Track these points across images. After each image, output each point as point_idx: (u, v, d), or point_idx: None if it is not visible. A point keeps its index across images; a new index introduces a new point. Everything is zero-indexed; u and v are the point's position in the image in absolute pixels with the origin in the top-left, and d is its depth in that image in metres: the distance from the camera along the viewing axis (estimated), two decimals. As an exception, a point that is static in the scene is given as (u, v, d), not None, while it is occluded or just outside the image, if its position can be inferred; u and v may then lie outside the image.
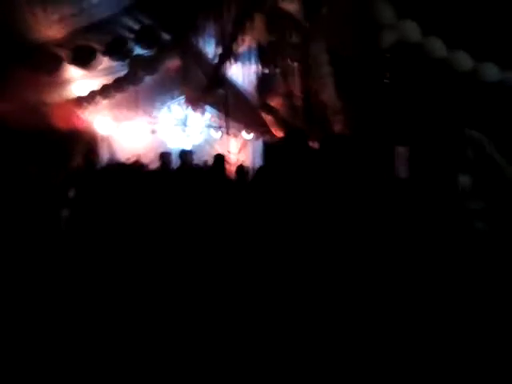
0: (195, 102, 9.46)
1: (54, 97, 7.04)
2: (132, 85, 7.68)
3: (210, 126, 9.93)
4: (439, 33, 7.63)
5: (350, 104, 8.06)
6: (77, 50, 6.65)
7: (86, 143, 7.38)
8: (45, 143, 6.70)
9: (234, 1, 7.85)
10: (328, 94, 8.14)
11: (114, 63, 7.39)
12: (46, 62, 6.57)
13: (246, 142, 10.24)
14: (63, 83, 7.16)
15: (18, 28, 6.33)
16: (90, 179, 6.44)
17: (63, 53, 6.69)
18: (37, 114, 6.75)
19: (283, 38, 8.04)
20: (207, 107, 9.62)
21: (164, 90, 9.03)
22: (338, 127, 8.34)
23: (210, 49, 8.99)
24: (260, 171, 5.47)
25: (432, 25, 7.55)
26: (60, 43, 6.68)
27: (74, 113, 7.24)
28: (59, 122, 6.87)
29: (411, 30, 7.74)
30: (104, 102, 7.78)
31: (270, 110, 8.87)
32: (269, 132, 9.49)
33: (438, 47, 7.91)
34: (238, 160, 9.36)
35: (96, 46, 6.86)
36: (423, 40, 7.81)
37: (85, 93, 7.44)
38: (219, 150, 9.35)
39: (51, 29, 6.69)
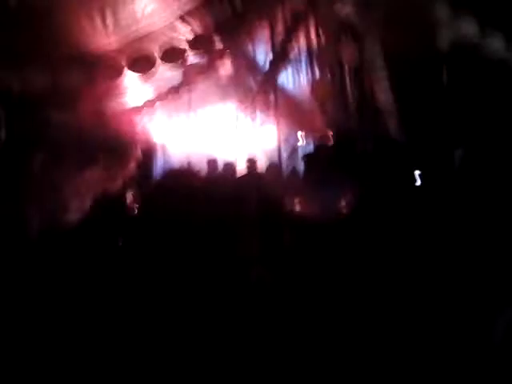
0: (247, 108, 9.46)
1: (111, 106, 7.17)
2: (186, 92, 7.75)
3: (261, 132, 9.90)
4: (499, 32, 7.40)
5: (406, 108, 7.91)
6: (136, 58, 6.75)
7: (142, 151, 7.47)
8: (103, 151, 6.83)
9: (287, 6, 7.85)
10: (384, 99, 8.02)
11: (169, 72, 7.47)
12: (106, 71, 6.69)
13: (296, 147, 10.15)
14: (120, 92, 7.29)
15: (77, 38, 6.46)
16: (148, 187, 6.49)
17: (123, 62, 6.80)
18: (95, 123, 6.88)
19: (337, 42, 7.98)
20: (258, 113, 9.59)
21: (216, 97, 9.07)
22: (393, 131, 8.19)
23: (261, 55, 9.02)
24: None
25: (492, 24, 7.33)
26: (118, 53, 6.80)
27: (130, 122, 7.35)
28: (116, 130, 6.98)
29: (469, 29, 7.55)
30: (159, 111, 7.87)
31: (325, 114, 8.78)
32: (322, 137, 9.40)
33: (497, 47, 7.69)
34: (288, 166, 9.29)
35: (153, 54, 6.95)
36: (481, 40, 7.60)
37: (141, 102, 7.54)
38: (269, 155, 9.33)
39: (108, 39, 6.82)
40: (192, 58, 7.41)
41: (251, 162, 7.85)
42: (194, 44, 7.22)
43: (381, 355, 3.03)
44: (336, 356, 2.88)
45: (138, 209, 5.72)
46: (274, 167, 8.07)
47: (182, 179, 5.63)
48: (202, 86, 7.98)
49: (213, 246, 3.62)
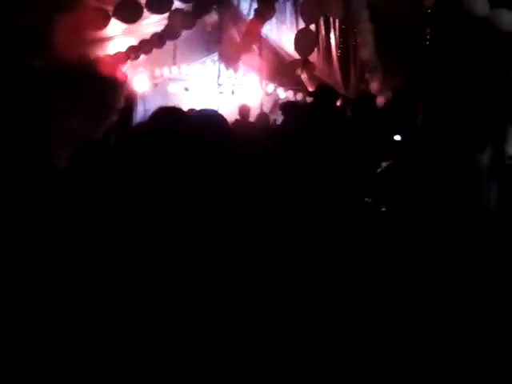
0: (230, 59, 9.36)
1: (95, 52, 7.01)
2: (170, 39, 7.62)
3: (243, 84, 9.86)
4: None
5: (389, 62, 7.92)
6: (122, 4, 6.57)
7: (124, 99, 7.36)
8: (86, 98, 6.68)
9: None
10: (367, 51, 8.00)
11: (152, 18, 7.32)
12: (92, 17, 6.52)
13: (278, 100, 10.14)
14: (105, 38, 7.13)
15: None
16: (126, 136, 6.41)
17: (109, 8, 6.63)
18: (78, 69, 6.71)
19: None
20: (241, 64, 9.50)
21: (199, 47, 8.96)
22: (375, 85, 8.21)
23: (246, 4, 8.89)
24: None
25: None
26: (103, -2, 6.63)
27: (114, 68, 7.20)
28: (100, 78, 6.82)
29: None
30: (142, 58, 7.75)
31: (307, 67, 8.73)
32: (304, 90, 9.39)
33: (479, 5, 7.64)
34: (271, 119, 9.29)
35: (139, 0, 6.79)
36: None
37: (124, 48, 7.39)
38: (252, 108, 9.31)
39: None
40: (177, 4, 7.24)
41: (245, 109, 7.85)
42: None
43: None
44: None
45: (122, 152, 5.65)
46: (263, 115, 8.07)
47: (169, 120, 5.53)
48: (185, 35, 7.85)
49: (198, 186, 3.50)
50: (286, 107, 6.26)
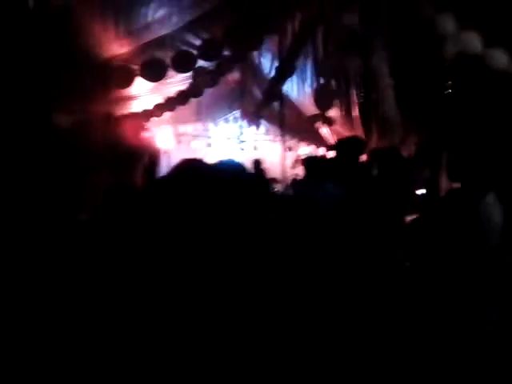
0: (251, 115, 9.54)
1: (120, 110, 7.21)
2: (193, 97, 7.81)
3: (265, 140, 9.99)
4: (503, 45, 7.49)
5: (410, 116, 7.98)
6: (148, 63, 6.79)
7: (148, 157, 7.50)
8: (110, 155, 6.84)
9: (296, 15, 7.93)
10: (388, 106, 8.09)
11: (177, 77, 7.53)
12: (118, 76, 6.73)
13: (300, 156, 10.23)
14: (130, 97, 7.33)
15: (89, 42, 6.50)
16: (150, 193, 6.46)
17: (134, 67, 6.85)
18: (103, 127, 6.91)
19: (342, 51, 8.05)
20: (263, 121, 9.67)
21: (221, 104, 9.15)
22: (396, 139, 8.25)
23: (267, 62, 9.10)
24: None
25: (496, 37, 7.43)
26: (128, 58, 6.85)
27: (139, 126, 7.38)
28: (125, 135, 7.00)
29: (473, 42, 7.64)
30: (167, 116, 7.93)
31: (328, 122, 8.85)
32: (326, 147, 9.47)
33: (499, 59, 7.77)
34: (293, 174, 9.34)
35: (164, 60, 7.00)
36: (484, 52, 7.68)
37: (149, 106, 7.58)
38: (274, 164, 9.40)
39: (119, 44, 6.86)
40: (201, 63, 7.46)
41: (257, 163, 7.92)
42: (202, 49, 7.26)
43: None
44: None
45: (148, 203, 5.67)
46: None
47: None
48: (209, 92, 8.04)
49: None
50: (308, 162, 6.28)
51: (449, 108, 7.67)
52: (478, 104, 7.41)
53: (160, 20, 7.12)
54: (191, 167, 2.53)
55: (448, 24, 7.50)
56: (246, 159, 9.18)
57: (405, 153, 7.42)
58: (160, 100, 7.64)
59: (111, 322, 2.17)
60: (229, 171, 2.51)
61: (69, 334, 2.29)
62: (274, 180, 8.76)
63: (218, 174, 2.48)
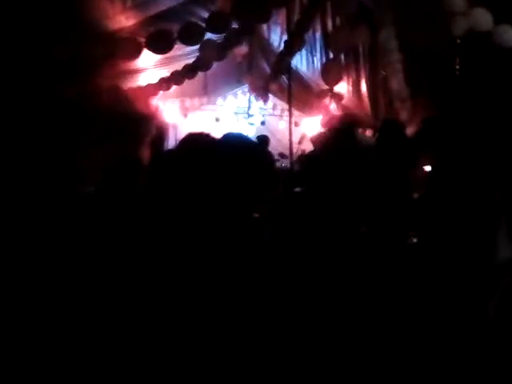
0: (259, 90, 9.48)
1: (127, 83, 7.19)
2: (201, 71, 7.78)
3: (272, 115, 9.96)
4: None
5: (418, 92, 7.92)
6: (154, 35, 6.76)
7: (155, 130, 7.50)
8: (117, 128, 6.85)
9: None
10: (396, 81, 8.03)
11: (184, 50, 7.49)
12: (126, 48, 6.71)
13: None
14: (137, 70, 7.32)
15: (96, 14, 6.46)
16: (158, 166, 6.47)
17: (141, 39, 6.82)
18: (110, 99, 6.90)
19: (351, 24, 7.97)
20: (270, 96, 9.62)
21: (229, 78, 9.10)
22: (404, 115, 8.20)
23: (276, 36, 9.02)
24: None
25: (505, 14, 7.32)
26: (135, 30, 6.81)
27: (146, 100, 7.37)
28: (131, 108, 7.00)
29: (483, 18, 7.53)
30: (173, 89, 7.91)
31: (336, 97, 8.79)
32: (333, 122, 9.41)
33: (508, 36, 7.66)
34: (299, 150, 9.31)
35: (171, 32, 6.96)
36: (494, 28, 7.57)
37: (156, 79, 7.56)
38: (281, 139, 9.37)
39: (125, 16, 6.82)
40: (208, 35, 7.41)
41: (264, 139, 7.91)
42: (210, 21, 7.20)
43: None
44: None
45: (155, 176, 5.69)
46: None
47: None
48: (216, 66, 8.00)
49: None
50: (318, 139, 6.24)
51: (458, 84, 7.61)
52: (488, 81, 7.35)
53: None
54: (198, 141, 2.53)
55: (458, 0, 7.40)
56: (253, 134, 9.23)
57: (413, 129, 7.40)
58: (166, 73, 7.62)
59: (114, 303, 2.16)
60: (237, 145, 2.49)
61: (70, 315, 2.29)
62: (281, 155, 8.74)
63: (226, 148, 2.47)
